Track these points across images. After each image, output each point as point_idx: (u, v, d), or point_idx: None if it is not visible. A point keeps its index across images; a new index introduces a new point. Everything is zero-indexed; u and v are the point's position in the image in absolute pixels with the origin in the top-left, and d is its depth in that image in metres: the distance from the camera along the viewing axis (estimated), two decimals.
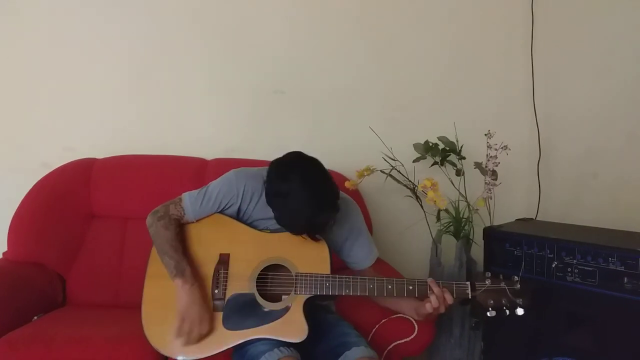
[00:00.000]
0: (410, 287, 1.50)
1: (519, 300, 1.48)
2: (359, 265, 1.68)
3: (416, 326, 1.63)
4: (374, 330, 1.64)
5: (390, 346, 1.64)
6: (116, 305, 1.93)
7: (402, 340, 1.63)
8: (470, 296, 1.50)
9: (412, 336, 1.63)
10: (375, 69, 2.41)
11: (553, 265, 1.69)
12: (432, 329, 1.69)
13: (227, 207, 1.59)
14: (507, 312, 1.49)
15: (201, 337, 1.48)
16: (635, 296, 1.52)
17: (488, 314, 1.49)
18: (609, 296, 1.57)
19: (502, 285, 1.50)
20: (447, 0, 2.43)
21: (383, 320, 1.65)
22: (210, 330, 1.49)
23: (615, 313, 1.56)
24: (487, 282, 1.50)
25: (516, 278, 1.51)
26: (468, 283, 1.51)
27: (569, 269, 1.66)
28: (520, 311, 1.48)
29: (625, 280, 1.54)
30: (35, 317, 1.74)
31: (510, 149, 1.99)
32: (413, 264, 2.28)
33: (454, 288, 1.50)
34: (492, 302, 1.49)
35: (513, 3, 2.42)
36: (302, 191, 1.42)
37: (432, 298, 1.48)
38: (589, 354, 1.62)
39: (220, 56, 2.34)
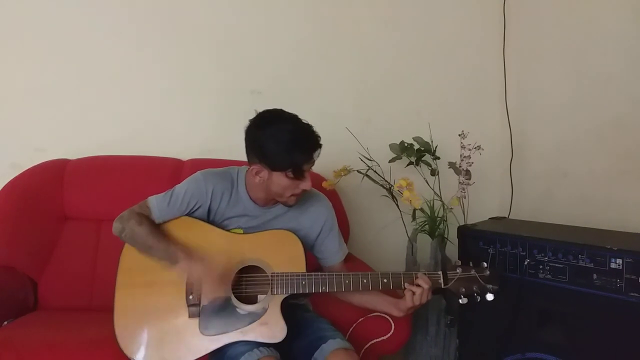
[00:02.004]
0: (385, 280, 1.52)
1: (489, 286, 1.53)
2: (329, 261, 1.68)
3: (392, 325, 1.64)
4: (350, 329, 1.64)
5: (367, 345, 1.64)
6: (90, 309, 1.90)
7: (379, 339, 1.64)
8: (443, 286, 1.54)
9: (389, 335, 1.64)
10: (351, 70, 2.43)
11: (525, 263, 1.72)
12: (408, 327, 1.70)
13: (195, 208, 1.57)
14: (479, 298, 1.54)
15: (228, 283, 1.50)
16: (604, 292, 1.56)
17: (460, 301, 1.54)
18: (579, 292, 1.61)
19: (472, 272, 1.54)
20: (420, 2, 2.46)
21: (360, 319, 1.66)
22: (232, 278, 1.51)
23: (585, 309, 1.60)
24: (458, 270, 1.55)
25: (485, 264, 1.56)
26: (440, 273, 1.55)
27: (541, 266, 1.69)
28: (490, 296, 1.53)
29: (595, 277, 1.58)
30: (6, 322, 1.69)
31: (483, 149, 2.02)
32: (389, 263, 2.29)
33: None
34: (464, 289, 1.54)
35: (485, 5, 2.46)
36: (287, 121, 1.51)
37: (418, 290, 1.49)
38: (561, 349, 1.65)
39: (197, 56, 2.32)
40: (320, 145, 1.51)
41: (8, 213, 1.94)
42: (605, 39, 2.03)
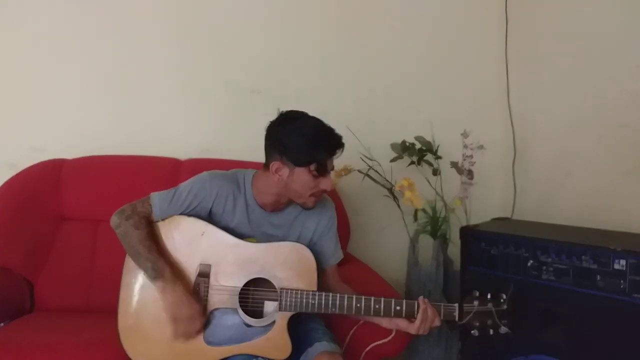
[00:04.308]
0: (398, 308, 1.47)
1: (504, 322, 1.46)
2: (321, 263, 1.60)
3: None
4: (351, 332, 1.62)
5: (368, 348, 1.62)
6: (87, 311, 1.88)
7: (380, 342, 1.62)
8: (457, 319, 1.47)
9: (390, 337, 1.62)
10: (352, 68, 2.41)
11: (528, 264, 1.71)
12: None
13: (196, 207, 1.52)
14: (491, 331, 1.47)
15: (198, 332, 1.43)
16: (608, 293, 1.54)
17: (472, 332, 1.47)
18: (583, 294, 1.60)
19: (489, 306, 1.47)
20: (422, 2, 2.45)
21: (361, 322, 1.63)
22: (203, 324, 1.44)
23: (588, 310, 1.59)
24: (475, 303, 1.47)
25: (504, 298, 1.48)
26: (456, 306, 1.48)
27: (544, 268, 1.68)
28: (503, 330, 1.47)
29: (598, 278, 1.57)
30: (2, 324, 1.68)
31: (485, 149, 2.01)
32: (390, 264, 2.28)
33: (442, 310, 1.47)
34: (477, 324, 1.47)
35: (487, 4, 2.45)
36: (310, 118, 1.51)
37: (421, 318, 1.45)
38: (564, 351, 1.64)
39: (195, 55, 2.31)
40: (343, 145, 1.51)
41: (4, 213, 1.92)
42: (607, 38, 2.02)
